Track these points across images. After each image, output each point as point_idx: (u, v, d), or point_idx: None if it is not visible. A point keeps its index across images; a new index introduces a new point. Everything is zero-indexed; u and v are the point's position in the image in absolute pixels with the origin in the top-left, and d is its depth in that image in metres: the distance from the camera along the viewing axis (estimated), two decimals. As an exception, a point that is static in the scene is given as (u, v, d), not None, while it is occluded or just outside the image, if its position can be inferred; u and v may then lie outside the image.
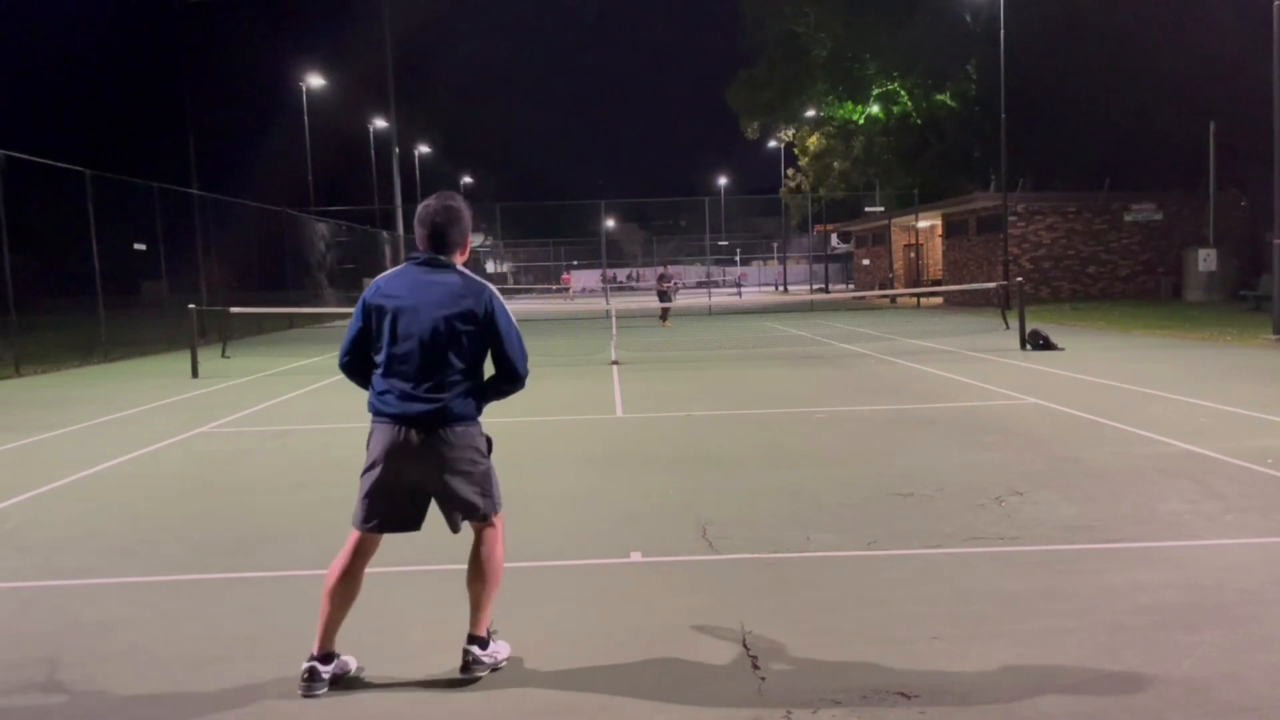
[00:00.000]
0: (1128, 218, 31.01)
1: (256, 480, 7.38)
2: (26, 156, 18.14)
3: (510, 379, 3.65)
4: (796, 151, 50.85)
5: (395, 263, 47.18)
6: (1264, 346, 15.24)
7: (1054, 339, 15.76)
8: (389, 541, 5.67)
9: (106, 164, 21.08)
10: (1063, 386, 11.12)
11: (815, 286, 50.97)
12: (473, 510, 3.63)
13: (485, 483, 3.65)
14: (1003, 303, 22.62)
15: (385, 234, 51.01)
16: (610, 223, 60.14)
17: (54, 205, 21.25)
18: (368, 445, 3.68)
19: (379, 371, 3.60)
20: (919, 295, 35.12)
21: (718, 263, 61.07)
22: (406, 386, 3.51)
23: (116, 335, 19.81)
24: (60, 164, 18.84)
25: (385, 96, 56.36)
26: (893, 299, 36.50)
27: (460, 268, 3.67)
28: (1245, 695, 3.31)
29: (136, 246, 24.09)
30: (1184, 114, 30.04)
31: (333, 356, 19.66)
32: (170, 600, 4.65)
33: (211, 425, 10.07)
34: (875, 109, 44.46)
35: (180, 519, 6.16)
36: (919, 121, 43.39)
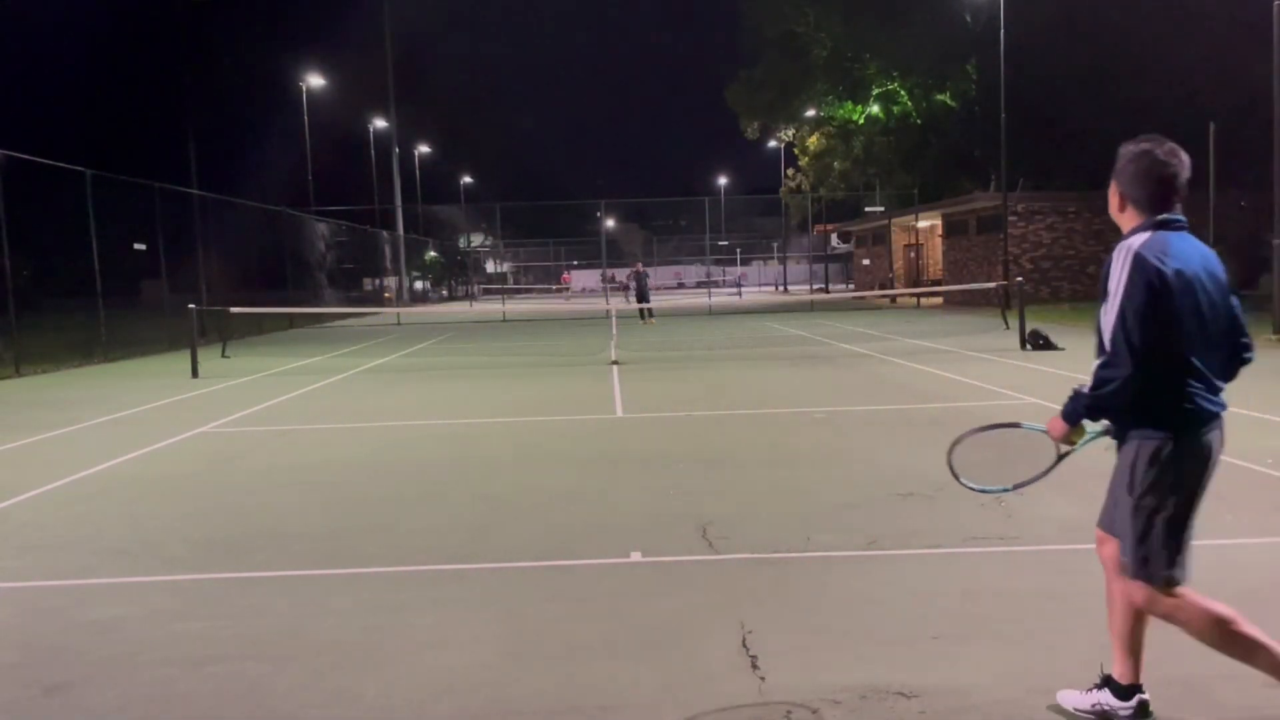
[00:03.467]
0: (1128, 218, 30.98)
1: (257, 480, 7.38)
2: (26, 156, 18.14)
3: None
4: (796, 151, 50.85)
5: (395, 263, 46.58)
6: (1264, 346, 15.24)
7: (1054, 339, 15.76)
8: (385, 541, 5.67)
9: (106, 164, 21.09)
10: (1063, 386, 11.08)
11: (815, 286, 50.98)
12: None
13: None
14: (1003, 303, 22.62)
15: (385, 234, 51.05)
16: (610, 223, 60.18)
17: (54, 205, 21.24)
18: (1167, 467, 2.89)
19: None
20: (919, 295, 35.13)
21: (718, 263, 61.08)
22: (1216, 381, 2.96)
23: (116, 335, 19.81)
24: (60, 164, 18.84)
25: (385, 96, 56.61)
26: (893, 299, 36.50)
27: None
28: (1245, 695, 3.31)
29: (136, 246, 24.10)
30: (1184, 114, 30.01)
31: (333, 356, 19.50)
32: (170, 600, 4.65)
33: (212, 425, 10.07)
34: (875, 109, 44.45)
35: (180, 519, 6.16)
36: (919, 121, 43.38)
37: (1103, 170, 3.31)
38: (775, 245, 71.15)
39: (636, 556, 5.08)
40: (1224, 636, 2.93)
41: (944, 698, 3.34)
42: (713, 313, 32.54)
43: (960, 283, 32.37)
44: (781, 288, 57.72)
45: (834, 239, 55.35)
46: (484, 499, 6.49)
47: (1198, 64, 29.00)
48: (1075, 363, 13.49)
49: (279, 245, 32.26)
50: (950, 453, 3.44)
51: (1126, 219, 3.09)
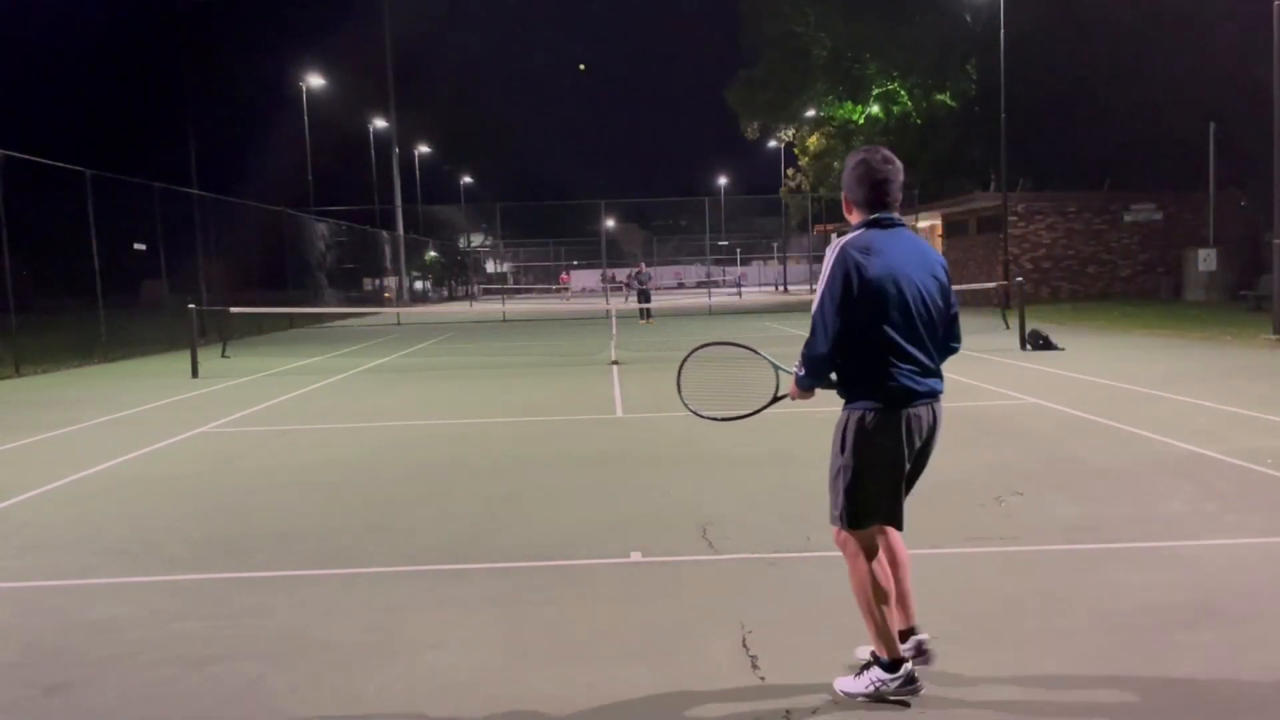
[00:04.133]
0: (1128, 218, 31.01)
1: (257, 480, 7.38)
2: (26, 156, 18.14)
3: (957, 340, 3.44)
4: (796, 151, 50.83)
5: (395, 263, 46.37)
6: (1264, 346, 15.23)
7: (1054, 339, 15.76)
8: (385, 541, 5.67)
9: (106, 164, 21.08)
10: (1063, 386, 11.12)
11: (815, 286, 50.92)
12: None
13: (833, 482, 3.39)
14: (1003, 303, 22.62)
15: (385, 234, 51.07)
16: (610, 223, 60.14)
17: (54, 205, 21.25)
18: (868, 434, 3.26)
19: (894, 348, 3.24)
20: (919, 295, 35.08)
21: (718, 263, 61.08)
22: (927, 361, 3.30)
23: (116, 335, 19.81)
24: (60, 164, 18.84)
25: (385, 96, 56.64)
26: (893, 299, 36.47)
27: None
28: (1245, 695, 3.31)
29: (136, 246, 24.11)
30: (1184, 114, 30.03)
31: (333, 356, 19.43)
32: (170, 600, 4.65)
33: (211, 425, 10.07)
34: (875, 109, 44.43)
35: (180, 519, 6.16)
36: (919, 121, 43.37)
37: (1103, 170, 3.42)
38: (775, 245, 71.14)
39: (636, 556, 5.08)
40: (867, 591, 3.33)
41: (944, 697, 3.34)
42: (713, 313, 32.55)
43: (960, 283, 32.31)
44: (781, 288, 57.71)
45: (834, 239, 55.25)
46: (484, 499, 6.49)
47: (1198, 64, 28.98)
48: (1076, 363, 13.50)
49: (279, 245, 32.26)
50: (685, 361, 3.89)
51: (853, 219, 3.43)
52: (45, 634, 4.23)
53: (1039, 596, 4.32)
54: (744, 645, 3.84)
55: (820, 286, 3.26)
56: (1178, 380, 11.33)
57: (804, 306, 34.72)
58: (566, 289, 62.57)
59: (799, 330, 22.51)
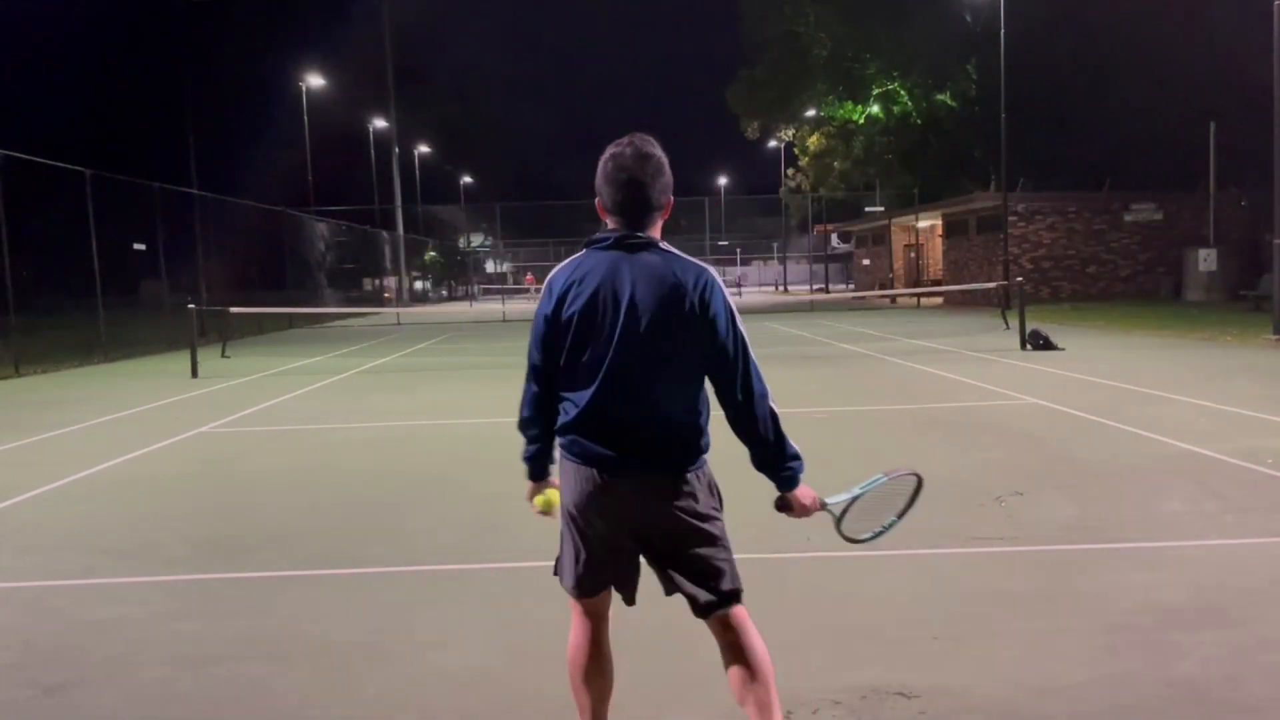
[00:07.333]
0: (1128, 218, 31.02)
1: (257, 480, 7.38)
2: (26, 156, 18.14)
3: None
4: (796, 151, 50.87)
5: (394, 262, 46.52)
6: (1264, 346, 15.23)
7: (1054, 339, 15.76)
8: (385, 541, 5.66)
9: (106, 164, 21.10)
10: (1063, 386, 11.12)
11: (815, 286, 50.98)
12: None
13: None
14: (1003, 303, 22.62)
15: (385, 234, 51.09)
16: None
17: (54, 205, 21.26)
18: None
19: None
20: (919, 295, 35.12)
21: (718, 263, 61.02)
22: None
23: (116, 335, 19.80)
24: (60, 164, 18.84)
25: (385, 96, 56.64)
26: (893, 299, 36.51)
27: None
28: (1245, 695, 3.31)
29: (136, 246, 24.13)
30: (1184, 114, 30.06)
31: (333, 356, 19.42)
32: (170, 600, 4.64)
33: (211, 425, 10.07)
34: (875, 109, 44.46)
35: (180, 519, 6.15)
36: (919, 121, 43.39)
37: (1103, 170, 3.33)
38: (775, 245, 71.12)
39: (636, 556, 5.06)
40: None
41: (944, 698, 3.34)
42: (713, 313, 32.46)
43: (960, 283, 32.37)
44: (781, 288, 57.73)
45: (834, 239, 55.38)
46: (484, 499, 6.48)
47: (1198, 64, 29.00)
48: (1076, 363, 13.49)
49: (279, 245, 32.28)
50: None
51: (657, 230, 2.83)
52: (45, 634, 4.23)
53: (1039, 596, 4.31)
54: (744, 645, 3.83)
55: (739, 327, 2.76)
56: (1178, 380, 11.33)
57: (804, 306, 34.71)
58: (529, 290, 62.81)
59: (800, 330, 22.50)
